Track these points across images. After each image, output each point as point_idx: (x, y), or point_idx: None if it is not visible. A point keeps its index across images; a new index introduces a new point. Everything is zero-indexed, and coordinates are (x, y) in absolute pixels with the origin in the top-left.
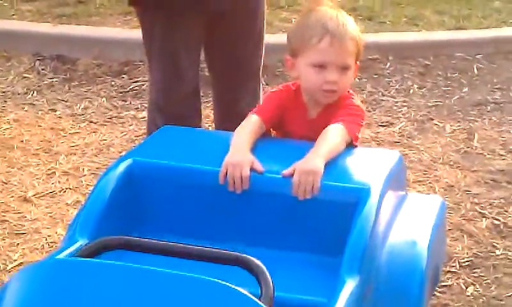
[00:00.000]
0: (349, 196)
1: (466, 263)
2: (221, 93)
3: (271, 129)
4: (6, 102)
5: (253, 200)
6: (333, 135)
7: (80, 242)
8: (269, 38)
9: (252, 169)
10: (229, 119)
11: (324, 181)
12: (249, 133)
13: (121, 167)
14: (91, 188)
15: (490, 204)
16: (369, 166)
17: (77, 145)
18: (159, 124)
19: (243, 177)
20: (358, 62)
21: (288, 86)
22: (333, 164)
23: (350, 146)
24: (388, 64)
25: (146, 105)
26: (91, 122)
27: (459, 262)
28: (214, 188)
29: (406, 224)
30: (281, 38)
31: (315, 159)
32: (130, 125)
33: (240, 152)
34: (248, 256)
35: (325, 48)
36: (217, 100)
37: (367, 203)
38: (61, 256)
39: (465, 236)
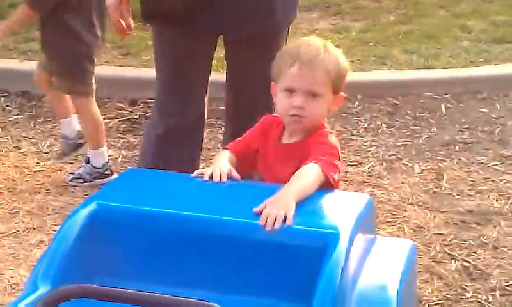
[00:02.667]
0: (318, 240)
1: (436, 306)
2: (232, 117)
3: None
4: None
5: (221, 245)
6: (307, 175)
7: (42, 290)
8: None
9: (230, 176)
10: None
11: (291, 226)
12: (221, 157)
13: (86, 210)
14: (55, 228)
15: (459, 246)
16: (338, 209)
17: (41, 183)
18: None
19: (221, 172)
20: (341, 93)
21: (270, 115)
22: (301, 207)
23: (327, 187)
24: (357, 103)
25: (112, 144)
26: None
27: (428, 305)
28: (180, 233)
29: (376, 268)
30: None
31: (286, 196)
32: None
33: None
34: (204, 302)
35: (294, 73)
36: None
37: (336, 248)
38: (21, 305)
39: (435, 278)
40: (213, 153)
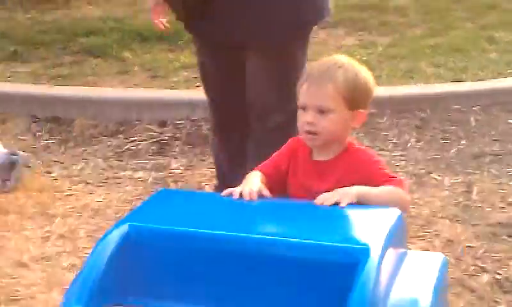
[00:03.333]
0: (349, 256)
1: None
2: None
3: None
4: None
5: (253, 263)
6: (380, 188)
7: None
8: None
9: (260, 194)
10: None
11: (322, 242)
12: (254, 176)
13: (118, 232)
14: (87, 251)
15: (491, 259)
16: (369, 225)
17: (73, 207)
18: None
19: (251, 190)
20: (361, 110)
21: (295, 137)
22: (331, 223)
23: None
24: (385, 118)
25: (142, 165)
26: (87, 183)
27: None
28: (212, 252)
29: (408, 283)
30: None
31: (348, 188)
32: (127, 186)
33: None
34: None
35: (304, 90)
36: None
37: (367, 264)
38: None
39: (467, 291)
40: None
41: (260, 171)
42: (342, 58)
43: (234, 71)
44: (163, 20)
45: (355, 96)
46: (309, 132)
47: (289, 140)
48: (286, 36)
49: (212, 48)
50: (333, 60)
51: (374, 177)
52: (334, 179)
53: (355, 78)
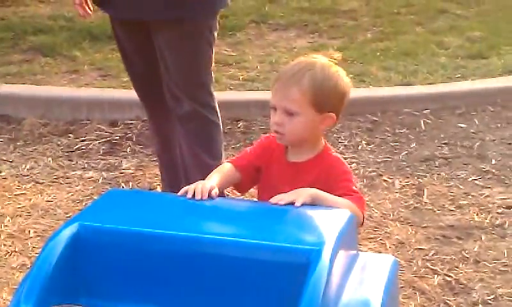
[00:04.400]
0: (300, 257)
1: None
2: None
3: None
4: None
5: (203, 263)
6: (337, 198)
7: None
8: (217, 96)
9: (210, 195)
10: None
11: (273, 243)
12: (217, 173)
13: (68, 231)
14: (37, 251)
15: (441, 261)
16: (320, 226)
17: (22, 207)
18: None
19: (203, 189)
20: (330, 113)
21: (268, 135)
22: (282, 224)
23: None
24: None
25: (93, 165)
26: (37, 183)
27: None
28: (163, 252)
29: (359, 284)
30: (229, 95)
31: (304, 189)
32: (77, 185)
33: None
34: None
35: (274, 91)
36: None
37: (318, 265)
38: None
39: (417, 293)
40: None
41: (232, 163)
42: (317, 60)
43: (145, 48)
44: (86, 9)
45: (323, 100)
46: (276, 132)
47: (263, 137)
48: (190, 13)
49: (123, 25)
50: (305, 62)
51: (336, 185)
52: (307, 183)
53: (323, 81)
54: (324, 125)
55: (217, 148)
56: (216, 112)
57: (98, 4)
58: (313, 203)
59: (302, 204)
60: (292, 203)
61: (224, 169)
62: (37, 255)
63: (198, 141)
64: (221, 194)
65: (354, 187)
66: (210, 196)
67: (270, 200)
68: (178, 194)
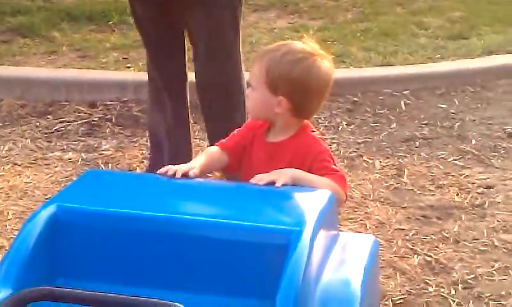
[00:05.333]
0: (280, 237)
1: (399, 301)
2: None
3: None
4: None
5: (184, 244)
6: (319, 177)
7: (3, 293)
8: None
9: (185, 173)
10: None
11: (253, 223)
12: (203, 155)
13: (46, 212)
14: (16, 232)
15: (421, 241)
16: (300, 206)
17: (1, 188)
18: None
19: (179, 169)
20: (282, 97)
21: None
22: (262, 205)
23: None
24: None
25: (72, 146)
26: (16, 164)
27: (392, 300)
28: (142, 233)
29: (339, 264)
30: None
31: (286, 170)
32: (56, 167)
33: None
34: (168, 302)
35: None
36: None
37: (299, 245)
38: None
39: (398, 273)
40: None
41: (219, 146)
42: (291, 44)
43: (170, 27)
44: None
45: (273, 82)
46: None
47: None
48: None
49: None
50: (280, 44)
51: (316, 165)
52: (283, 163)
53: (279, 64)
54: (279, 109)
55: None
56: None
57: None
58: (294, 184)
59: (283, 185)
60: (273, 183)
61: (211, 151)
62: (15, 237)
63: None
64: (205, 176)
65: (333, 166)
66: (188, 176)
67: (250, 180)
68: (158, 173)
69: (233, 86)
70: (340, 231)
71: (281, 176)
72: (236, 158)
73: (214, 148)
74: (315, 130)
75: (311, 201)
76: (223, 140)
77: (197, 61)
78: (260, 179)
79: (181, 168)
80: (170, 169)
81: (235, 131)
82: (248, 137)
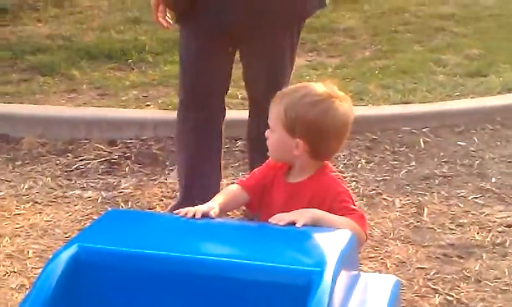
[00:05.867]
0: (301, 278)
1: None
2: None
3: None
4: None
5: (205, 284)
6: (337, 217)
7: None
8: None
9: (205, 214)
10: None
11: (274, 264)
12: (222, 194)
13: (67, 253)
14: (36, 271)
15: (442, 280)
16: (321, 246)
17: (21, 227)
18: None
19: (197, 211)
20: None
21: None
22: (282, 245)
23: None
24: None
25: (92, 185)
26: (36, 202)
27: None
28: (164, 273)
29: (361, 304)
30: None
31: (305, 210)
32: (76, 205)
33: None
34: None
35: None
36: None
37: (320, 286)
38: None
39: None
40: None
41: (239, 184)
42: (311, 85)
43: (220, 64)
44: (166, 19)
45: (291, 123)
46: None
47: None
48: (278, 25)
49: (203, 36)
50: (299, 86)
51: (335, 206)
52: (302, 203)
53: (296, 106)
54: (298, 152)
55: None
56: None
57: (179, 17)
58: (314, 224)
59: (303, 225)
60: (293, 223)
61: (230, 190)
62: (36, 276)
63: None
64: (224, 215)
65: (353, 206)
66: (208, 216)
67: (270, 220)
68: (177, 214)
69: None
70: (361, 270)
71: (302, 216)
72: (256, 197)
73: (234, 186)
74: (334, 171)
75: (332, 242)
76: (243, 178)
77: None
78: (281, 219)
79: (200, 209)
80: (190, 211)
81: (256, 170)
82: (268, 177)
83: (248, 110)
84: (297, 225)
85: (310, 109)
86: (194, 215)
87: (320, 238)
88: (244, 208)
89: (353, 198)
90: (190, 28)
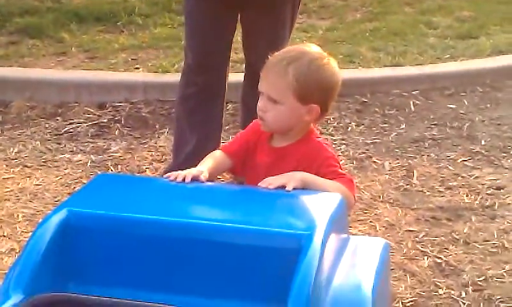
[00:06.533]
0: (291, 242)
1: (410, 304)
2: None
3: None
4: None
5: (194, 248)
6: (326, 180)
7: (15, 298)
8: None
9: (195, 177)
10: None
11: (264, 228)
12: (207, 158)
13: (57, 217)
14: (26, 235)
15: (431, 243)
16: (311, 210)
17: (10, 190)
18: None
19: (188, 174)
20: (314, 105)
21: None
22: (272, 209)
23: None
24: (328, 105)
25: (81, 148)
26: (25, 166)
27: (402, 303)
28: (153, 237)
29: (350, 268)
30: None
31: (294, 173)
32: (65, 169)
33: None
34: None
35: (262, 77)
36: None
37: (310, 249)
38: None
39: (408, 275)
40: None
41: (222, 150)
42: (306, 49)
43: (226, 26)
44: None
45: (306, 92)
46: (260, 118)
47: (254, 120)
48: None
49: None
50: (295, 51)
51: (323, 171)
52: (288, 168)
53: (307, 74)
54: (310, 117)
55: None
56: None
57: None
58: (304, 187)
59: (293, 189)
60: (283, 187)
61: (215, 155)
62: (26, 240)
63: None
64: (215, 179)
65: (340, 170)
66: (199, 180)
67: (259, 184)
68: (167, 177)
69: None
70: (350, 232)
71: (291, 179)
72: (239, 162)
73: (218, 152)
74: (319, 136)
75: (321, 205)
76: (227, 143)
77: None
78: (270, 183)
79: (191, 172)
80: (180, 174)
81: (239, 134)
82: (251, 141)
83: (242, 74)
84: (287, 188)
85: (323, 73)
86: (184, 179)
87: (310, 202)
88: None
89: (340, 163)
90: None
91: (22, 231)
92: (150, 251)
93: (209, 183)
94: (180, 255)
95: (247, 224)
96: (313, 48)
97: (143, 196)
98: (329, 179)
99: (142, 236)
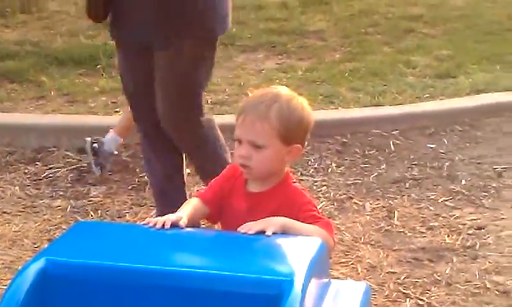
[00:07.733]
0: (271, 288)
1: None
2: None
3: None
4: None
5: (175, 296)
6: (304, 225)
7: None
8: None
9: (175, 223)
10: None
11: (244, 274)
12: (185, 205)
13: (35, 266)
14: (5, 283)
15: (413, 284)
16: (291, 255)
17: None
18: None
19: (166, 220)
20: (297, 145)
21: (233, 164)
22: (252, 254)
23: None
24: (306, 142)
25: (61, 193)
26: (4, 212)
27: None
28: (133, 286)
29: None
30: None
31: (272, 218)
32: (45, 215)
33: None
34: None
35: (239, 123)
36: None
37: (290, 295)
38: None
39: None
40: None
41: (198, 197)
42: (280, 91)
43: (143, 71)
44: None
45: (290, 133)
46: (243, 166)
47: (228, 166)
48: (187, 38)
49: (124, 48)
50: (270, 94)
51: (302, 215)
52: (267, 212)
53: (290, 114)
54: (290, 157)
55: None
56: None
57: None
58: (284, 232)
59: (273, 233)
60: (263, 232)
61: (193, 203)
62: (4, 288)
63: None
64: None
65: (318, 214)
66: (178, 226)
67: (239, 229)
68: (145, 224)
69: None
70: (332, 275)
71: (271, 224)
72: (216, 209)
73: (195, 200)
74: (295, 181)
75: (302, 250)
76: (203, 191)
77: None
78: (250, 228)
79: (170, 218)
80: (159, 220)
81: (213, 180)
82: (226, 188)
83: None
84: (267, 233)
85: (300, 112)
86: (163, 225)
87: (290, 247)
88: None
89: (317, 207)
90: (113, 38)
91: (1, 279)
92: (129, 299)
93: (188, 229)
94: (161, 303)
95: (227, 270)
96: (283, 90)
97: (122, 243)
98: (308, 223)
99: (121, 284)
